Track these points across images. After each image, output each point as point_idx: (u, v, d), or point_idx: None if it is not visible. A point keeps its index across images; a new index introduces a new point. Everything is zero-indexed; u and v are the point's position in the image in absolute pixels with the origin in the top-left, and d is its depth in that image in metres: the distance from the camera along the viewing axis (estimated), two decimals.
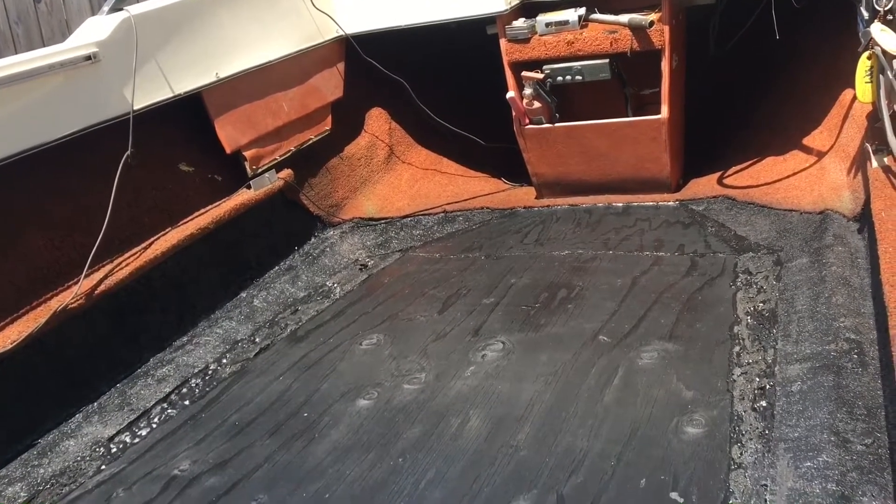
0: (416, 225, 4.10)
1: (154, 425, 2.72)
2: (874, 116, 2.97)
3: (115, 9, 3.24)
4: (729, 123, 4.46)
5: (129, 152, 3.07)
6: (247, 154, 3.66)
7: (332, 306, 3.39)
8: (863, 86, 2.72)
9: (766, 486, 1.91)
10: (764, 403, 2.23)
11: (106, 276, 2.98)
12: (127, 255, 3.12)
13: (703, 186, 3.85)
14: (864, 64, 2.70)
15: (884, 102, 2.61)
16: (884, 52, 2.52)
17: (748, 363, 2.44)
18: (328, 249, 3.92)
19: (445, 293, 3.29)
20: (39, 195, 2.98)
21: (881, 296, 2.23)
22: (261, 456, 2.42)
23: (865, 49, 2.68)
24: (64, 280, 2.91)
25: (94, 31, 3.12)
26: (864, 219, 2.87)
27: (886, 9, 2.59)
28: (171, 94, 3.33)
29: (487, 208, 4.13)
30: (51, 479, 2.48)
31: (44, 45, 6.32)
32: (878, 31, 2.55)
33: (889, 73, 2.48)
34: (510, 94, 3.85)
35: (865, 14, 2.65)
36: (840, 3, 3.01)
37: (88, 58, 3.02)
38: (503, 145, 4.21)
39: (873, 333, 2.36)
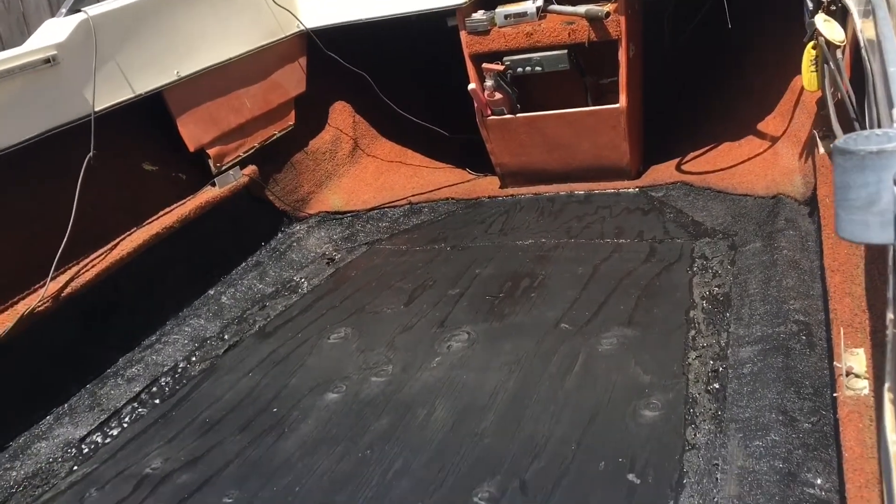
0: (382, 217, 4.14)
1: (125, 425, 2.76)
2: (822, 103, 3.06)
3: (73, 10, 3.23)
4: (687, 111, 4.55)
5: (91, 154, 3.08)
6: (210, 152, 3.68)
7: (299, 301, 3.43)
8: (808, 75, 2.80)
9: (717, 465, 2.00)
10: (717, 386, 2.31)
11: (72, 278, 2.99)
12: (93, 256, 3.13)
13: (662, 173, 3.94)
14: (808, 53, 2.78)
15: (828, 91, 2.69)
16: (827, 42, 2.59)
17: (703, 346, 2.52)
18: (295, 244, 3.96)
19: (411, 285, 3.34)
20: (2, 199, 2.98)
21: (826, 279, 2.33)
22: (231, 452, 2.46)
23: (810, 39, 2.76)
24: (30, 283, 2.92)
25: (52, 34, 3.12)
26: (814, 203, 2.96)
27: (829, 0, 2.66)
28: (132, 95, 3.33)
29: (452, 199, 4.19)
30: (23, 482, 2.51)
31: (1, 44, 6.25)
32: (821, 21, 2.63)
33: (832, 62, 2.56)
34: (471, 85, 3.90)
35: (810, 5, 2.72)
36: None
37: (48, 60, 3.02)
38: (466, 136, 4.25)
39: (821, 315, 2.45)
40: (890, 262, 0.94)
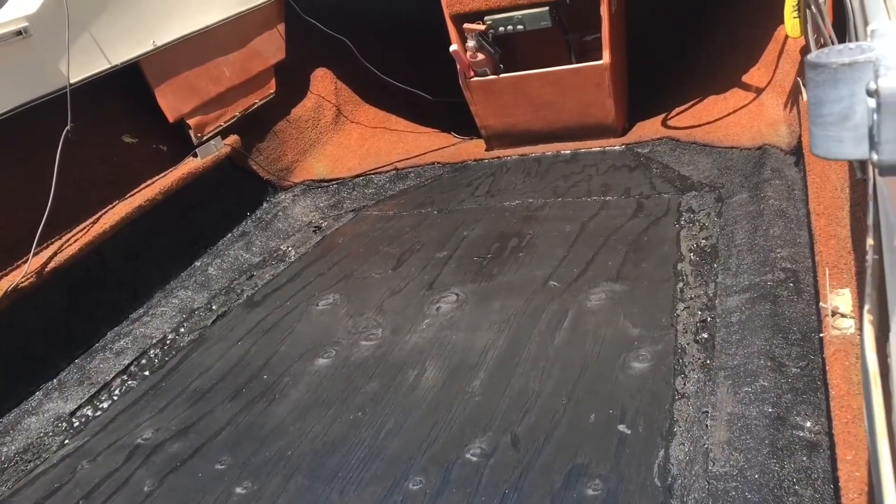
0: (367, 184, 4.11)
1: (115, 397, 2.75)
2: (806, 50, 3.03)
3: None
4: (671, 66, 4.51)
5: (68, 127, 3.03)
6: (190, 122, 3.63)
7: (287, 269, 3.41)
8: (791, 21, 2.77)
9: (707, 412, 2.00)
10: (705, 335, 2.32)
11: (56, 253, 2.96)
12: (76, 230, 3.10)
13: (648, 129, 3.91)
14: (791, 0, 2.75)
15: (811, 36, 2.66)
16: None
17: (691, 298, 2.52)
18: (281, 213, 3.93)
19: (399, 249, 3.33)
20: None
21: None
22: (223, 419, 2.46)
23: None
24: (12, 259, 2.89)
25: (23, 5, 3.04)
26: (800, 151, 2.95)
27: None
28: (107, 65, 3.27)
29: (438, 163, 4.16)
30: (15, 457, 2.50)
31: None
32: None
33: (814, 6, 2.53)
34: (453, 47, 3.85)
35: None
36: None
37: (19, 33, 2.95)
38: (450, 99, 4.21)
39: (808, 262, 2.44)
40: (869, 190, 0.93)
